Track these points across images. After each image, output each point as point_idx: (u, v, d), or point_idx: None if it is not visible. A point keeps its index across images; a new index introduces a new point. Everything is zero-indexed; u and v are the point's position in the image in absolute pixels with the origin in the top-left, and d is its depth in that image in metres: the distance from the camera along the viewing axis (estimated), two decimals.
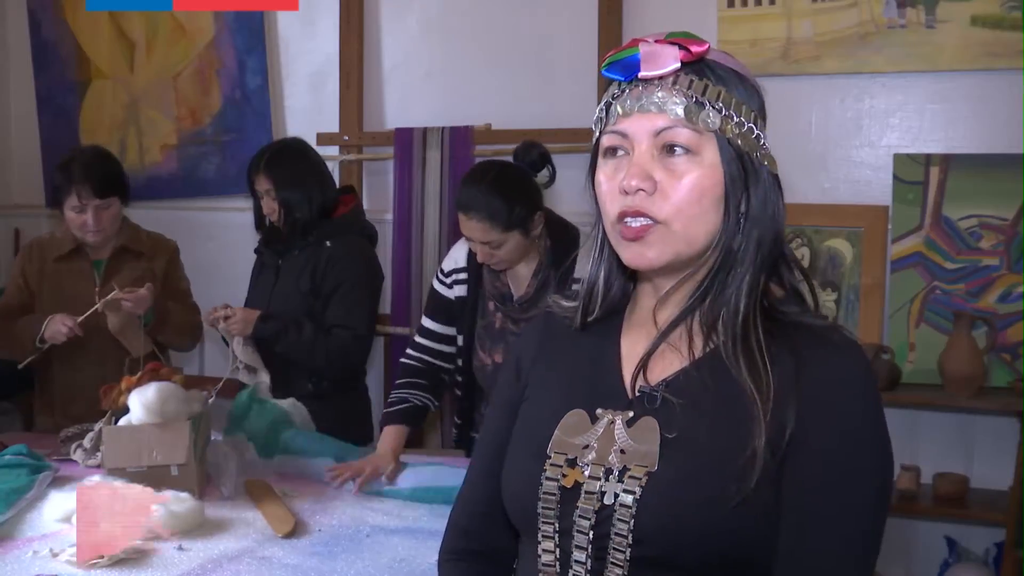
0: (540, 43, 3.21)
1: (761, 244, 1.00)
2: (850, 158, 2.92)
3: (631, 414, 1.00)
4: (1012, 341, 2.70)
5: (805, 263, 2.90)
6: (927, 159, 2.80)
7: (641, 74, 0.98)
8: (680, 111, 0.97)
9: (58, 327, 2.47)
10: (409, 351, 2.43)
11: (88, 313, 2.46)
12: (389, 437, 2.28)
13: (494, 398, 1.21)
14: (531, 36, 3.23)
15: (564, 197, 2.50)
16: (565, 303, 1.14)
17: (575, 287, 1.36)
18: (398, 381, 2.39)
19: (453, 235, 3.17)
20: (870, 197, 2.89)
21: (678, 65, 0.98)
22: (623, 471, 0.96)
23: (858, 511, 0.94)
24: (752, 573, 0.94)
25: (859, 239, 2.87)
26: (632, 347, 1.06)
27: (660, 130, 0.98)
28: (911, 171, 2.81)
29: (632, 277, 1.10)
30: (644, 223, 0.97)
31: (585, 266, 1.12)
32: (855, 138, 2.92)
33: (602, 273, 1.09)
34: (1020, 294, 2.71)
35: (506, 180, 2.20)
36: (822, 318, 1.02)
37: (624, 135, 1.00)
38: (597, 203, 1.05)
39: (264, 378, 2.53)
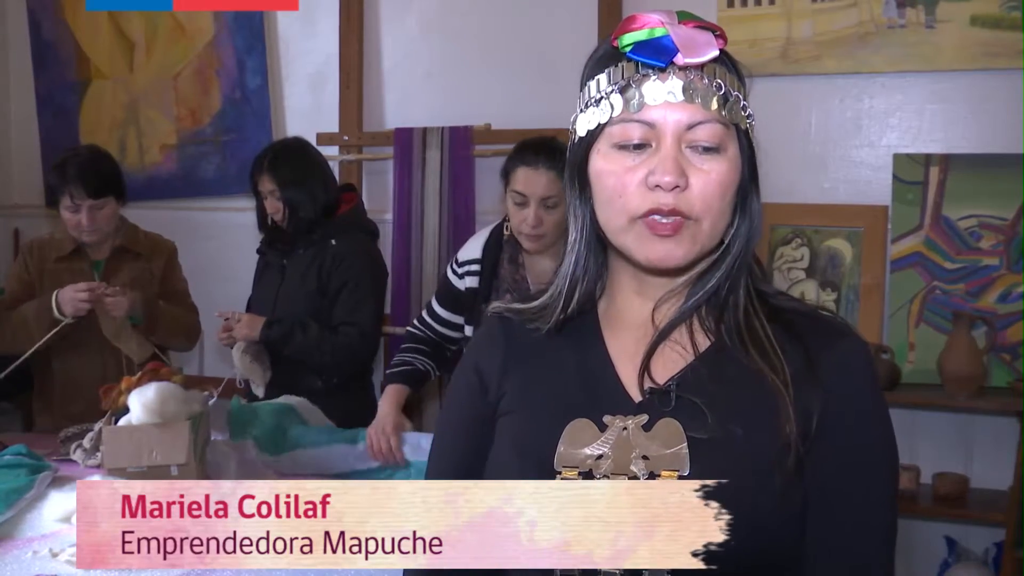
0: (540, 43, 3.21)
1: (757, 240, 0.99)
2: (850, 158, 2.92)
3: (646, 418, 0.94)
4: (1012, 341, 2.70)
5: (805, 263, 2.93)
6: (927, 159, 2.80)
7: (684, 60, 0.91)
8: (715, 103, 0.91)
9: (73, 300, 2.47)
10: (415, 322, 2.47)
11: (57, 329, 2.48)
12: (390, 394, 2.30)
13: (450, 413, 1.13)
14: (531, 36, 3.23)
15: None
16: (522, 305, 1.07)
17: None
18: (403, 346, 2.43)
19: (453, 235, 3.18)
20: (870, 197, 2.88)
21: (716, 52, 0.92)
22: (651, 478, 0.92)
23: (881, 488, 0.95)
24: (785, 562, 0.93)
25: (859, 239, 2.87)
26: (623, 348, 1.01)
27: (693, 123, 0.91)
28: (911, 171, 2.81)
29: (605, 268, 1.04)
30: (677, 219, 0.91)
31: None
32: (855, 138, 2.92)
33: (579, 270, 1.02)
34: (1020, 294, 2.71)
35: (555, 140, 2.26)
36: (800, 301, 1.02)
37: (651, 126, 0.92)
38: (583, 193, 0.99)
39: (259, 392, 2.54)
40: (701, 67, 0.92)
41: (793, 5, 2.90)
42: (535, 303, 1.06)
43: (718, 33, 0.93)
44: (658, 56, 0.91)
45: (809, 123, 2.95)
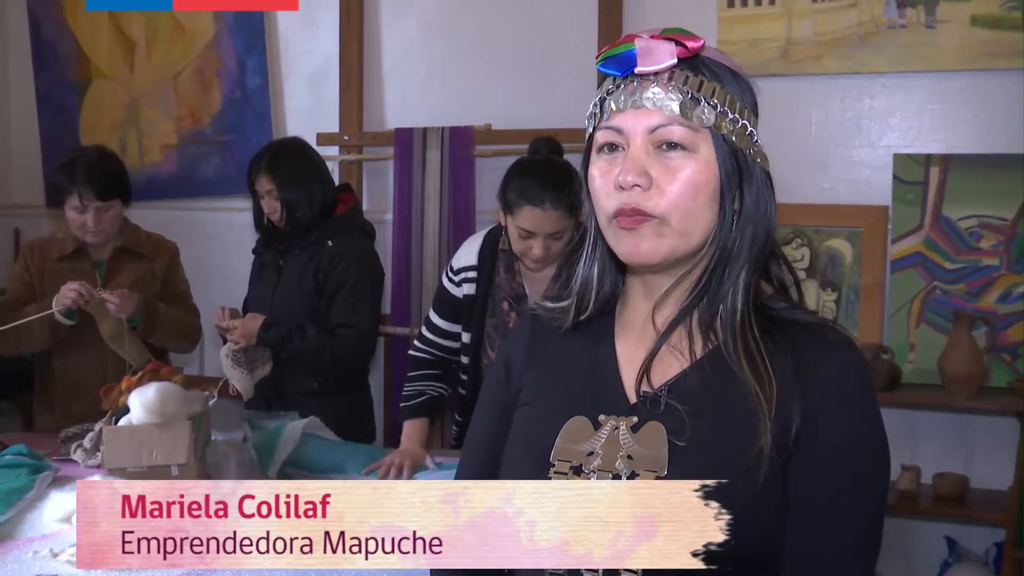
0: (540, 43, 3.21)
1: (755, 241, 1.00)
2: (850, 158, 2.92)
3: (635, 419, 0.99)
4: (1012, 341, 2.70)
5: (805, 263, 2.93)
6: (927, 159, 2.80)
7: (637, 69, 0.97)
8: (675, 107, 0.96)
9: (65, 293, 2.47)
10: (417, 343, 2.44)
11: (45, 316, 2.49)
12: (412, 431, 2.30)
13: (481, 402, 1.20)
14: (531, 36, 3.23)
15: None
16: (551, 304, 1.13)
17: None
18: (411, 373, 2.40)
19: (453, 235, 3.18)
20: (870, 197, 2.89)
21: (674, 61, 0.97)
22: (631, 476, 0.96)
23: (863, 505, 0.96)
24: (763, 573, 0.95)
25: (859, 239, 2.87)
26: (629, 350, 1.05)
27: (655, 127, 0.97)
28: (911, 171, 2.81)
29: (623, 273, 1.09)
30: (639, 218, 0.97)
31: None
32: (855, 138, 2.92)
33: (595, 271, 1.08)
34: (1020, 294, 2.71)
35: (558, 166, 2.20)
36: (811, 314, 1.03)
37: (619, 131, 0.98)
38: (590, 199, 1.04)
39: (244, 396, 2.53)
40: (670, 76, 0.97)
41: (793, 5, 2.90)
42: (561, 303, 1.12)
43: (689, 45, 0.97)
44: (618, 67, 0.99)
45: (809, 123, 2.95)
